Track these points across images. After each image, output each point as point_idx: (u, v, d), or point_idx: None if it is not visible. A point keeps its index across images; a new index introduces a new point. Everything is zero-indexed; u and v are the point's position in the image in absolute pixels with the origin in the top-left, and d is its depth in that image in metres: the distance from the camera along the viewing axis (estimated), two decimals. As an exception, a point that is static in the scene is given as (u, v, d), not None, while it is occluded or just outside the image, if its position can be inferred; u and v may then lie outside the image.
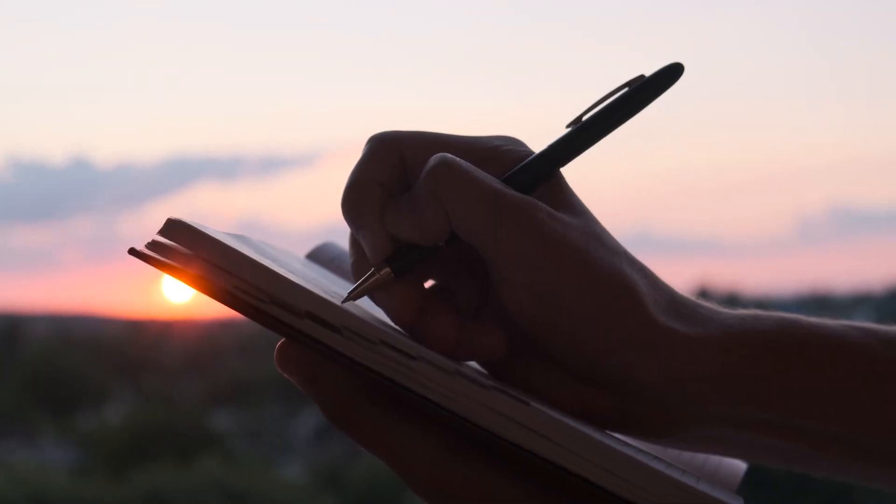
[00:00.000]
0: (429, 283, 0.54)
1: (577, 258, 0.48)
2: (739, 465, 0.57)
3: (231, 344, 12.95)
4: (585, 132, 0.51)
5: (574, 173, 0.53)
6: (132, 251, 0.46)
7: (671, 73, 0.51)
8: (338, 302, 0.45)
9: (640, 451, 0.47)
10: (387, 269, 0.49)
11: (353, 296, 0.49)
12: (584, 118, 0.51)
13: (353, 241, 0.52)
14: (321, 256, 0.65)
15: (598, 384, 0.50)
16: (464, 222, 0.48)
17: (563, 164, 0.51)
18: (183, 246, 0.46)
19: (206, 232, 0.46)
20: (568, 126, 0.51)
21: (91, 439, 9.88)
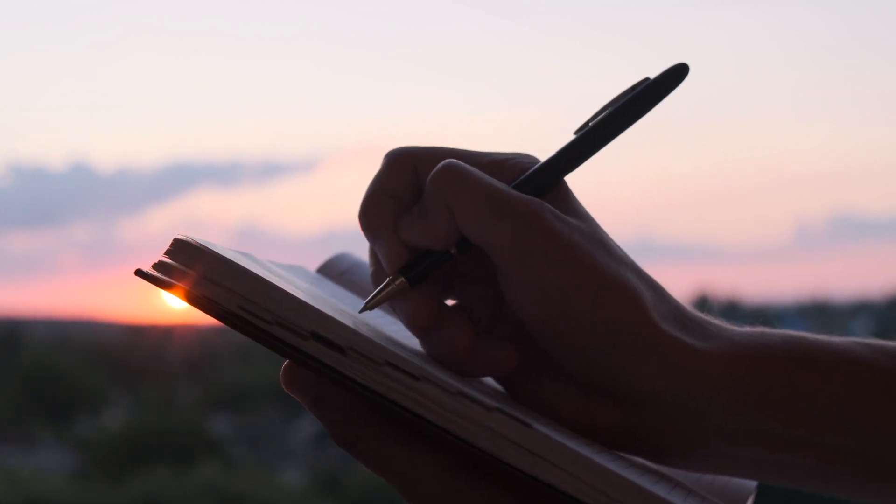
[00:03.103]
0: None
1: (582, 260, 0.48)
2: (749, 485, 0.56)
3: (229, 350, 12.94)
4: (593, 136, 0.51)
5: (573, 181, 0.53)
6: (139, 272, 0.46)
7: (676, 74, 0.51)
8: (344, 321, 0.45)
9: (645, 472, 0.47)
10: (401, 279, 0.50)
11: (369, 305, 0.50)
12: (592, 123, 0.52)
13: (373, 252, 0.53)
14: (331, 270, 0.64)
15: (603, 395, 0.50)
16: (470, 222, 0.49)
17: (572, 170, 0.51)
18: (189, 266, 0.46)
19: (213, 251, 0.46)
20: (576, 132, 0.52)
21: (89, 444, 9.87)
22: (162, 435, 9.35)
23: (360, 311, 0.50)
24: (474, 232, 0.49)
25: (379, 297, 0.50)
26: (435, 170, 0.49)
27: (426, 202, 0.50)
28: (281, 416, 10.70)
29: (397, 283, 0.50)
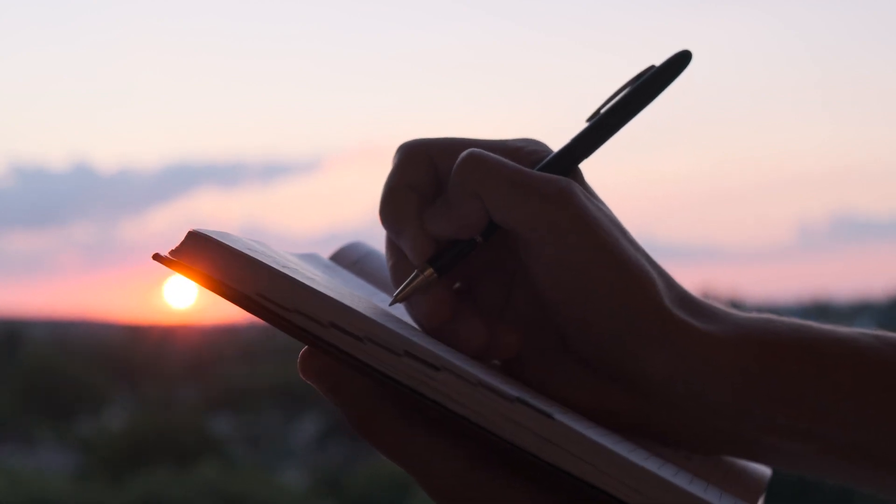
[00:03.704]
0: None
1: (606, 242, 0.49)
2: (764, 473, 0.57)
3: (230, 349, 12.95)
4: (604, 124, 0.52)
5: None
6: (156, 256, 0.47)
7: (680, 61, 0.52)
8: (361, 310, 0.45)
9: (665, 463, 0.47)
10: (430, 270, 0.50)
11: (399, 298, 0.51)
12: (602, 111, 0.53)
13: (391, 245, 0.53)
14: (345, 258, 0.64)
15: (614, 380, 0.51)
16: (500, 206, 0.49)
17: (586, 157, 0.52)
18: (204, 257, 0.46)
19: (228, 243, 0.46)
20: (587, 120, 0.53)
21: (90, 444, 9.88)
22: (163, 435, 9.35)
23: (391, 305, 0.51)
24: (506, 216, 0.49)
25: (408, 288, 0.50)
26: (459, 159, 0.50)
27: (452, 192, 0.50)
28: (282, 416, 10.70)
29: (426, 274, 0.50)
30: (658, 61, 0.52)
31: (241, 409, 11.01)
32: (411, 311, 0.51)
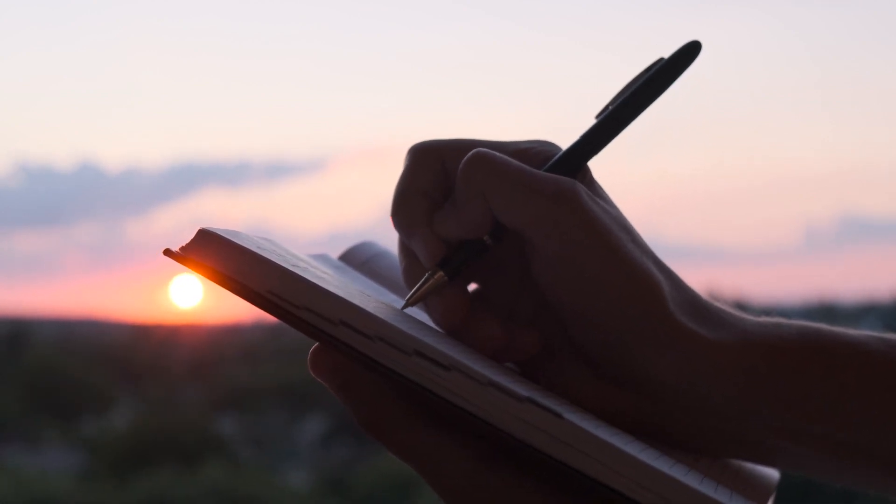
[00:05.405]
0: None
1: (610, 244, 0.49)
2: (773, 475, 0.57)
3: (235, 350, 12.96)
4: (613, 119, 0.52)
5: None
6: (167, 252, 0.47)
7: (689, 52, 0.52)
8: (370, 309, 0.46)
9: (676, 463, 0.47)
10: (440, 273, 0.51)
11: (410, 301, 0.51)
12: (612, 107, 0.52)
13: (403, 248, 0.54)
14: (354, 259, 0.65)
15: (619, 381, 0.51)
16: (504, 206, 0.49)
17: (595, 153, 0.52)
18: (215, 254, 0.46)
19: (237, 242, 0.46)
20: (597, 116, 0.52)
21: (95, 444, 9.88)
22: (167, 435, 9.36)
23: (402, 308, 0.51)
24: (509, 215, 0.49)
25: (420, 292, 0.51)
26: (465, 159, 0.50)
27: (458, 192, 0.50)
28: (287, 416, 10.70)
29: (436, 277, 0.51)
30: (666, 54, 0.52)
31: (246, 409, 11.01)
32: (428, 312, 0.52)
